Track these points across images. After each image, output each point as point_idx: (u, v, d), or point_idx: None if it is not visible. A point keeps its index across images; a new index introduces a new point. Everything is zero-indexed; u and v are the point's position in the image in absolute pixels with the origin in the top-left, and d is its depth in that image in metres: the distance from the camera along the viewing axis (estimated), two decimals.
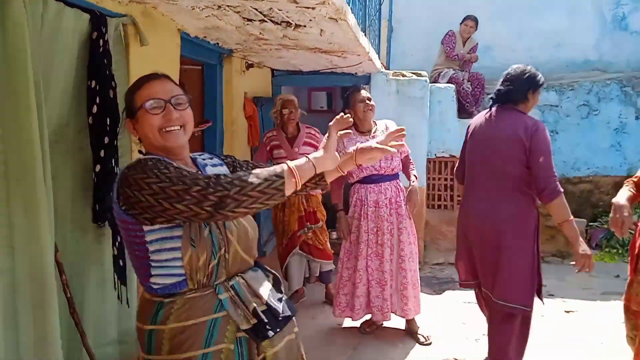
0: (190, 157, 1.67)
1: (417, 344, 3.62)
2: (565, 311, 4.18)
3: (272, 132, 4.18)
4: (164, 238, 1.47)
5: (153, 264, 1.50)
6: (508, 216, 2.80)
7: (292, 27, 3.06)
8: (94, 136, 2.43)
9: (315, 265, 4.21)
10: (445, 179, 5.95)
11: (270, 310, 1.57)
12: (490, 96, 3.01)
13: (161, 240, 1.47)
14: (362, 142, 3.51)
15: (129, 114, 1.58)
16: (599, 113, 6.28)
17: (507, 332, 2.89)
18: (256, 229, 1.71)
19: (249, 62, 4.67)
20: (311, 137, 4.17)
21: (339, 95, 7.62)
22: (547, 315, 4.02)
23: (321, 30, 3.09)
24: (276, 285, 1.69)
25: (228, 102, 4.41)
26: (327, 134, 1.61)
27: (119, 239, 2.60)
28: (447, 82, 6.16)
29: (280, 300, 1.63)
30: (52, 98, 2.24)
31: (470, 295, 4.60)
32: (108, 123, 2.45)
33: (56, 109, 2.30)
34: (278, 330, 1.58)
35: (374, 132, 3.52)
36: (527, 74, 2.84)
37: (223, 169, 1.73)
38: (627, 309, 2.55)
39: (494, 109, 2.95)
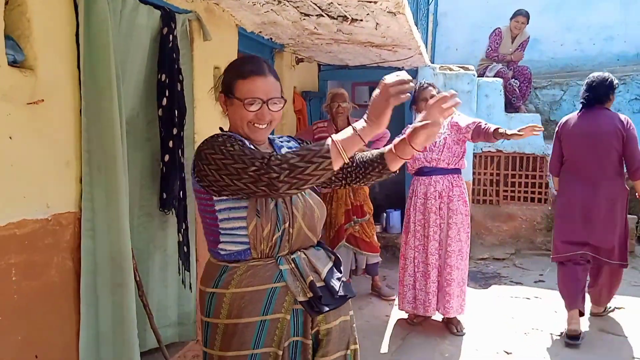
0: (269, 138, 1.73)
1: (464, 337, 3.63)
2: (616, 307, 4.11)
3: (323, 123, 4.27)
4: (232, 208, 1.56)
5: (222, 231, 1.58)
6: (616, 193, 3.53)
7: (349, 22, 3.11)
8: (163, 127, 2.55)
9: (362, 257, 4.25)
10: (492, 174, 5.90)
11: (327, 287, 1.62)
12: (580, 101, 3.68)
13: (229, 209, 1.56)
14: None
15: (226, 92, 1.63)
16: None
17: (616, 283, 3.78)
18: (324, 210, 1.76)
19: (299, 57, 4.74)
20: None
21: None
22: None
23: (377, 24, 3.13)
24: (336, 266, 1.73)
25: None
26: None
27: (184, 226, 2.72)
28: (494, 76, 6.09)
29: (338, 279, 1.68)
30: (126, 91, 2.36)
31: (516, 290, 4.61)
32: (176, 115, 2.57)
33: (129, 101, 2.43)
34: (333, 307, 1.62)
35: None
36: (608, 80, 3.58)
37: None
38: None
39: (584, 110, 3.63)
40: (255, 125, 1.60)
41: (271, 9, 3.03)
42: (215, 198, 1.55)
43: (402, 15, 2.80)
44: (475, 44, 6.75)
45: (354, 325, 1.77)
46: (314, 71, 5.57)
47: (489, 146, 5.81)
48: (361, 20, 3.06)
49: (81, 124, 2.08)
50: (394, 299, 4.28)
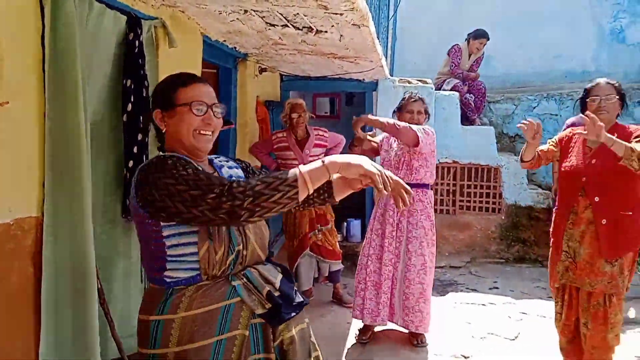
0: (208, 158, 1.70)
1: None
2: None
3: (282, 133, 4.29)
4: (182, 233, 1.49)
5: (169, 258, 1.50)
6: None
7: (314, 33, 3.18)
8: (128, 133, 2.53)
9: (325, 265, 4.32)
10: (448, 184, 6.08)
11: (283, 295, 1.60)
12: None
13: (178, 235, 1.49)
14: (390, 142, 3.58)
15: (164, 105, 1.58)
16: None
17: None
18: (267, 228, 1.74)
19: (262, 67, 4.78)
20: (320, 138, 4.29)
21: (343, 102, 7.76)
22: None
23: (341, 35, 3.21)
24: (286, 277, 1.70)
25: (242, 105, 4.52)
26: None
27: None
28: (451, 90, 6.30)
29: (292, 288, 1.66)
30: (90, 95, 2.33)
31: (472, 296, 4.75)
32: (141, 121, 2.56)
33: (93, 106, 2.40)
34: (293, 314, 1.60)
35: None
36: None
37: (239, 172, 1.76)
38: (556, 289, 3.05)
39: None
40: (202, 132, 1.57)
41: (237, 18, 3.06)
42: (162, 224, 1.48)
43: (366, 28, 2.89)
44: (431, 58, 6.95)
45: (311, 331, 1.75)
46: (276, 81, 5.62)
47: (446, 157, 5.99)
48: (326, 31, 3.14)
49: (45, 128, 2.05)
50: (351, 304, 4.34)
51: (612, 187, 2.76)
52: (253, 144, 4.52)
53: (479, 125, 6.38)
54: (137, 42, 2.52)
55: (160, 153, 1.61)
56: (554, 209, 3.09)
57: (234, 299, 1.54)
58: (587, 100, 2.86)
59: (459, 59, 6.51)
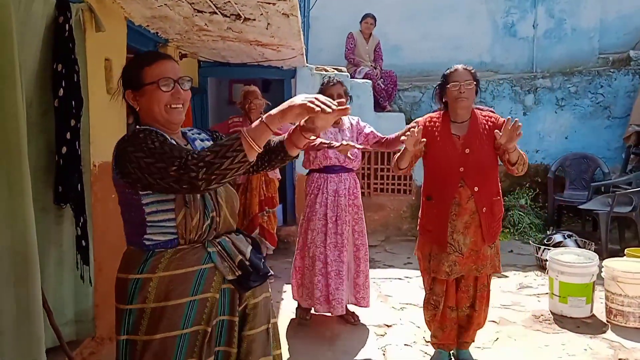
0: (182, 131, 1.82)
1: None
2: None
3: (238, 118, 4.56)
4: (159, 201, 1.62)
5: (149, 224, 1.63)
6: None
7: (242, 20, 3.25)
8: (60, 119, 2.48)
9: (263, 247, 4.48)
10: (363, 168, 6.38)
11: (253, 265, 1.73)
12: None
13: (157, 202, 1.62)
14: (335, 131, 3.69)
15: (132, 86, 1.68)
16: (493, 109, 7.03)
17: None
18: (237, 198, 1.89)
19: (182, 52, 4.75)
20: None
21: (260, 88, 7.80)
22: None
23: (268, 24, 3.31)
24: (256, 248, 1.83)
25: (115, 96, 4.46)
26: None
27: (82, 220, 2.66)
28: (363, 78, 6.59)
29: (260, 259, 1.81)
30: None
31: (389, 272, 5.08)
32: (73, 106, 2.51)
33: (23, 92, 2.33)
34: (260, 283, 1.75)
35: (342, 126, 3.71)
36: None
37: (210, 144, 1.84)
38: (430, 279, 2.98)
39: None
40: (172, 106, 1.68)
41: (165, 4, 3.06)
42: (141, 192, 1.60)
43: (295, 17, 3.02)
44: (342, 47, 7.20)
45: (271, 301, 1.89)
46: (194, 67, 5.58)
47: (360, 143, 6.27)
48: (254, 19, 3.22)
49: None
50: (273, 281, 4.46)
51: (486, 176, 2.81)
52: (210, 127, 4.59)
53: (389, 111, 6.73)
54: (67, 25, 2.46)
55: (120, 124, 1.71)
56: (424, 199, 2.98)
57: (208, 265, 1.67)
58: (448, 86, 2.81)
59: (352, 45, 6.97)
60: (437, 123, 2.90)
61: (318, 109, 1.49)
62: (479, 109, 3.09)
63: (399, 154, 2.91)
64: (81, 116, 2.60)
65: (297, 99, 1.52)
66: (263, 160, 1.84)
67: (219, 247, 1.70)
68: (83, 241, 2.68)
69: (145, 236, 1.65)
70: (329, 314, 3.75)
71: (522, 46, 7.90)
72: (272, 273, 1.87)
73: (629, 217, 5.45)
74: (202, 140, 1.88)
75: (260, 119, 1.54)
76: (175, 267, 1.63)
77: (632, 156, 6.60)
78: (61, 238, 2.68)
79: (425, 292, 3.09)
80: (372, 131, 3.76)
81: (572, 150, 6.86)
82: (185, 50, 4.72)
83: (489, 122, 2.85)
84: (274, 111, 1.54)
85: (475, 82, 2.83)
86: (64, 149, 2.49)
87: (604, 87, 7.02)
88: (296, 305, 3.92)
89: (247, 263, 1.72)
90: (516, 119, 2.59)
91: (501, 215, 2.93)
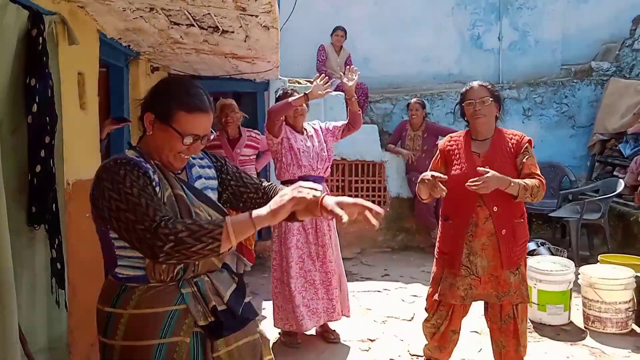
0: None
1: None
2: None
3: (215, 132, 4.33)
4: None
5: (118, 257, 1.56)
6: None
7: (219, 33, 3.19)
8: (33, 136, 2.36)
9: (240, 264, 4.37)
10: (338, 180, 6.36)
11: (230, 310, 1.63)
12: None
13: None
14: (303, 138, 3.64)
15: (158, 114, 1.56)
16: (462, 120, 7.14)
17: None
18: None
19: (154, 66, 4.64)
20: (252, 139, 4.48)
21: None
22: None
23: (247, 36, 3.26)
24: (240, 289, 1.73)
25: (135, 104, 4.34)
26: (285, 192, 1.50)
27: (57, 241, 2.53)
28: (335, 90, 6.59)
29: (241, 302, 1.69)
30: None
31: (367, 284, 5.05)
32: (48, 122, 2.40)
33: None
34: (233, 331, 1.63)
35: (308, 133, 3.72)
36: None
37: (210, 172, 1.79)
38: (435, 303, 2.87)
39: None
40: (183, 155, 1.60)
41: (141, 16, 2.98)
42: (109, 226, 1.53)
43: (275, 30, 2.98)
44: (314, 60, 7.20)
45: (265, 344, 1.77)
46: None
47: (335, 155, 6.24)
48: (232, 32, 3.16)
49: None
50: (250, 298, 4.39)
51: (506, 196, 2.64)
52: None
53: (362, 123, 6.73)
54: (40, 38, 2.35)
55: (125, 151, 1.60)
56: (442, 220, 2.88)
57: (181, 306, 1.57)
58: (463, 104, 2.81)
59: (324, 57, 7.04)
60: (458, 141, 2.83)
61: (310, 196, 1.44)
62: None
63: (419, 182, 2.75)
64: (55, 132, 2.48)
65: (286, 195, 1.45)
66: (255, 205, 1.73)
67: (195, 287, 1.60)
68: (58, 264, 2.55)
69: (117, 269, 1.58)
70: (315, 332, 3.68)
71: (488, 58, 8.06)
72: (254, 317, 1.73)
73: (598, 223, 5.58)
74: (201, 167, 1.77)
75: (249, 214, 1.45)
76: (146, 306, 1.55)
77: (597, 164, 6.80)
78: (33, 261, 2.55)
79: (427, 314, 2.97)
80: (334, 125, 3.82)
81: (540, 159, 6.82)
82: (157, 63, 4.62)
83: (513, 140, 2.76)
84: (264, 211, 1.45)
85: (492, 98, 2.76)
86: (38, 168, 2.37)
87: (568, 97, 7.24)
88: (279, 332, 3.75)
89: (223, 308, 1.61)
90: (485, 171, 2.51)
91: (525, 240, 2.78)
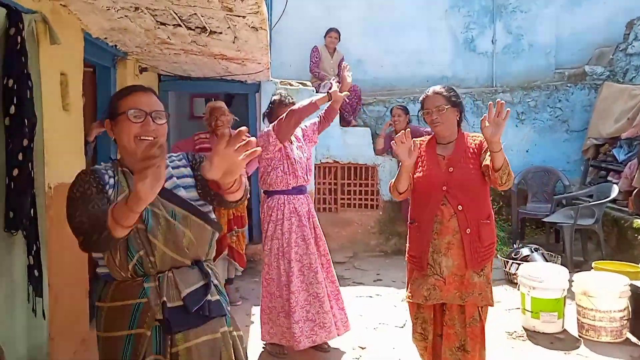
0: None
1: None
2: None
3: (205, 135, 4.36)
4: None
5: (93, 255, 1.70)
6: None
7: (207, 34, 3.11)
8: (11, 138, 2.28)
9: (232, 268, 4.34)
10: (330, 183, 6.29)
11: (184, 307, 1.64)
12: None
13: None
14: (296, 148, 3.55)
15: (110, 116, 1.70)
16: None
17: None
18: (203, 233, 1.73)
19: (142, 66, 4.55)
20: None
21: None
22: None
23: (235, 37, 3.18)
24: (208, 286, 1.70)
25: None
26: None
27: (35, 248, 2.45)
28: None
29: (201, 300, 1.66)
30: None
31: (359, 289, 4.97)
32: (26, 124, 2.31)
33: None
34: (186, 328, 1.63)
35: (298, 142, 3.65)
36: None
37: (186, 170, 1.78)
38: (415, 306, 2.80)
39: None
40: (142, 138, 1.64)
41: (126, 15, 2.89)
42: None
43: (264, 31, 2.90)
44: (306, 61, 7.13)
45: (227, 344, 1.72)
46: (154, 81, 5.37)
47: (327, 158, 6.20)
48: (220, 32, 3.09)
49: None
50: (240, 303, 4.46)
51: (471, 196, 2.66)
52: (175, 144, 4.50)
53: (354, 126, 6.68)
54: (19, 37, 2.28)
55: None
56: (409, 225, 2.85)
57: (143, 299, 1.65)
58: (422, 113, 2.76)
59: (317, 58, 6.96)
60: (423, 145, 2.80)
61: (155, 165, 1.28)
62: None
63: (394, 179, 2.75)
64: (35, 135, 2.40)
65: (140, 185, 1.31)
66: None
67: (157, 282, 1.66)
68: (36, 271, 2.46)
69: (97, 268, 1.72)
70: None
71: (482, 61, 8.00)
72: (216, 315, 1.70)
73: (592, 229, 5.54)
74: (176, 167, 1.77)
75: (125, 197, 1.40)
76: (116, 299, 1.67)
77: (590, 169, 6.77)
78: (12, 268, 2.46)
79: (412, 321, 2.88)
80: (313, 121, 3.75)
81: (533, 164, 6.97)
82: (145, 63, 4.53)
83: (476, 141, 2.75)
84: (133, 194, 1.35)
85: (450, 104, 2.68)
86: (16, 171, 2.28)
87: (562, 101, 7.19)
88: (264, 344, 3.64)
89: (177, 304, 1.63)
90: (498, 100, 2.46)
91: (492, 243, 2.73)
